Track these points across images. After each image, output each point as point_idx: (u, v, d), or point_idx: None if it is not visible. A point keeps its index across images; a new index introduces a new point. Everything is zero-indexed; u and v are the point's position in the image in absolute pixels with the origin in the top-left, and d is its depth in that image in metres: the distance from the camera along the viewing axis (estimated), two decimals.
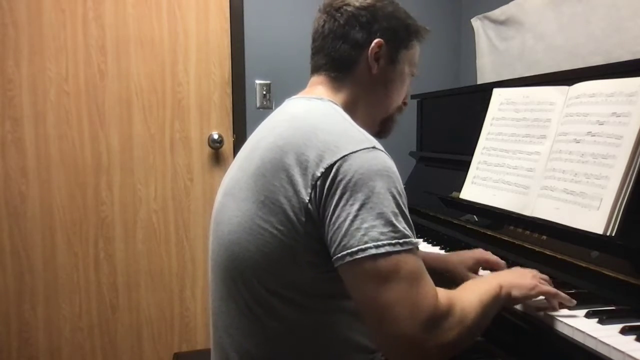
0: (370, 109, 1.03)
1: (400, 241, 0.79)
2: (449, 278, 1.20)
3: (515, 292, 0.94)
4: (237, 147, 2.23)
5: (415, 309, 0.77)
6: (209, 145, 2.22)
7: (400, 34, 1.02)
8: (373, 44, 0.98)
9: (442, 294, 0.82)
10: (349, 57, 0.99)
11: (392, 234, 0.78)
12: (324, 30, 1.00)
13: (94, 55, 2.07)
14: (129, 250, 2.16)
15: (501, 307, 0.92)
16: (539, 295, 0.96)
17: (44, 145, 2.04)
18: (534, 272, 1.01)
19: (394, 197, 0.81)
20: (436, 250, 1.48)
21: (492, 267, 1.20)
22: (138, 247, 2.17)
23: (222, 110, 2.23)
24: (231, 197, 0.93)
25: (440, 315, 0.79)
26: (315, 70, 1.04)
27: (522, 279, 0.96)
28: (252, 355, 0.90)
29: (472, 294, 0.87)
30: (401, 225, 0.80)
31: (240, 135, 2.23)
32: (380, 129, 1.07)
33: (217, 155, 2.24)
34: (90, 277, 2.13)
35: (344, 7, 0.99)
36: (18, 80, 1.99)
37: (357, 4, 0.99)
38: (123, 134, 2.12)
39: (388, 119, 1.08)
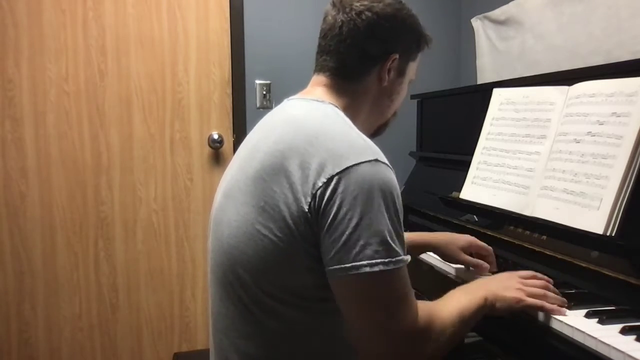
0: (371, 116, 1.03)
1: (394, 260, 0.80)
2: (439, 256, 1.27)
3: (499, 305, 0.93)
4: (237, 147, 2.22)
5: (396, 329, 0.81)
6: (209, 145, 2.21)
7: (413, 47, 1.02)
8: (389, 58, 0.97)
9: (423, 310, 0.84)
10: (361, 68, 0.97)
11: (386, 253, 0.80)
12: (341, 32, 0.95)
13: (94, 55, 2.07)
14: (129, 250, 2.16)
15: (482, 316, 0.93)
16: (523, 309, 0.95)
17: (44, 145, 2.04)
18: (521, 279, 0.99)
19: (390, 215, 0.81)
20: None
21: (481, 255, 1.21)
22: (138, 247, 2.17)
23: (222, 110, 2.23)
24: (231, 199, 0.93)
25: (419, 335, 0.83)
26: (321, 69, 1.00)
27: (507, 291, 0.95)
28: (251, 356, 0.90)
29: (453, 307, 0.89)
30: (395, 244, 0.81)
31: (240, 135, 2.23)
32: (374, 133, 1.08)
33: (217, 155, 2.24)
34: (90, 277, 2.13)
35: (366, 13, 0.94)
36: (18, 80, 1.99)
37: (378, 10, 0.95)
38: (123, 134, 2.12)
39: (384, 124, 1.09)
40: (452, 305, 0.90)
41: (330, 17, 0.98)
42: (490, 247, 1.22)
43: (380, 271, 0.78)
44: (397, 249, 0.81)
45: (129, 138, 2.13)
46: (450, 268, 1.29)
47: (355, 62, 0.97)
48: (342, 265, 0.79)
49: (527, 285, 0.98)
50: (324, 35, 0.99)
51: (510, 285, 0.97)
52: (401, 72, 1.02)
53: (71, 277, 2.11)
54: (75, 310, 2.12)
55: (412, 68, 1.05)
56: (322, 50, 1.00)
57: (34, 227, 2.05)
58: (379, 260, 0.79)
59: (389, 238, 0.80)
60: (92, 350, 2.15)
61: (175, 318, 2.25)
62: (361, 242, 0.79)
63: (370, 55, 0.97)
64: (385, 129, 1.10)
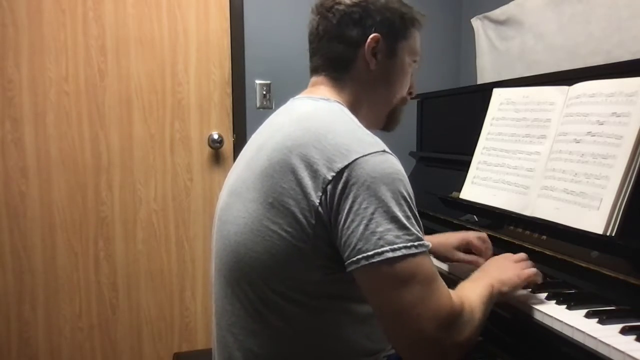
0: (373, 105, 1.03)
1: (415, 244, 0.80)
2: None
3: (505, 288, 0.96)
4: (237, 147, 2.23)
5: (434, 309, 0.79)
6: (209, 145, 2.21)
7: (396, 25, 1.00)
8: (369, 40, 0.97)
9: (452, 293, 0.84)
10: (346, 56, 0.98)
11: (407, 237, 0.79)
12: (318, 32, 1.00)
13: (94, 55, 2.07)
14: (129, 250, 2.16)
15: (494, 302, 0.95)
16: (524, 283, 1.00)
17: (44, 145, 2.04)
18: (513, 258, 1.05)
19: (405, 200, 0.82)
20: None
21: (477, 251, 1.23)
22: (138, 247, 2.17)
23: (222, 110, 2.23)
24: (237, 197, 0.92)
25: (457, 314, 0.82)
26: (314, 71, 1.03)
27: (506, 273, 0.99)
28: (255, 354, 0.90)
29: (473, 294, 0.89)
30: (414, 228, 0.81)
31: (240, 135, 2.23)
32: (386, 123, 1.07)
33: (217, 155, 2.24)
34: (90, 277, 2.13)
35: (335, 6, 0.98)
36: (18, 80, 1.99)
37: (348, 1, 0.97)
38: (123, 134, 2.12)
39: (392, 112, 1.07)
40: (471, 292, 0.90)
41: (310, 23, 1.03)
42: (487, 240, 1.23)
43: (404, 255, 0.78)
44: (417, 233, 0.81)
45: (129, 138, 2.13)
46: (443, 265, 1.31)
47: (339, 52, 0.99)
48: (365, 254, 0.79)
49: (516, 261, 1.04)
50: (310, 41, 1.04)
51: (507, 267, 1.02)
52: (392, 53, 1.00)
53: (71, 277, 2.11)
54: (75, 310, 2.12)
55: (407, 47, 1.03)
56: (310, 54, 1.04)
57: (34, 227, 2.05)
58: (401, 245, 0.79)
59: (406, 222, 0.80)
60: (92, 350, 2.15)
61: (175, 318, 2.24)
62: (380, 229, 0.79)
63: (350, 41, 0.98)
64: (398, 118, 1.09)
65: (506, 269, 1.01)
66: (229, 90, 2.23)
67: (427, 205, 1.70)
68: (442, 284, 0.82)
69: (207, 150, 2.23)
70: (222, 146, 2.23)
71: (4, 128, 2.00)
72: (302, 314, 0.88)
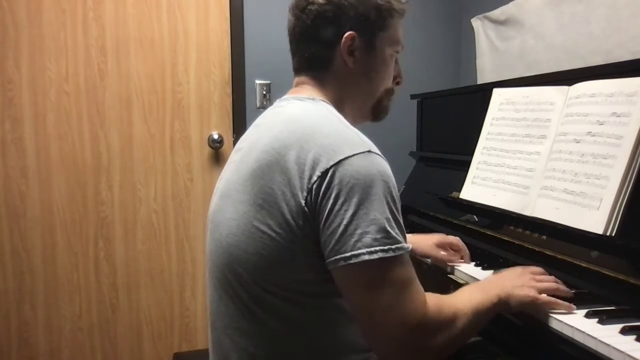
0: (355, 101, 1.03)
1: (393, 247, 0.80)
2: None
3: (513, 303, 0.94)
4: None
5: (404, 314, 0.80)
6: (209, 145, 2.22)
7: (372, 18, 0.97)
8: (344, 39, 0.95)
9: (432, 299, 0.84)
10: (324, 56, 0.98)
11: (385, 240, 0.80)
12: (295, 33, 0.99)
13: (94, 55, 2.07)
14: (129, 250, 2.16)
15: (495, 314, 0.93)
16: (535, 307, 0.95)
17: (44, 145, 2.04)
18: (533, 275, 1.00)
19: (387, 203, 0.82)
20: None
21: (453, 249, 1.31)
22: (138, 247, 2.17)
23: (222, 110, 2.23)
24: (228, 199, 0.93)
25: (429, 321, 0.82)
26: (296, 71, 1.03)
27: (521, 289, 0.95)
28: (251, 354, 0.90)
29: (467, 302, 0.89)
30: (394, 231, 0.81)
31: (240, 135, 2.21)
32: (374, 114, 1.06)
33: (217, 155, 2.24)
34: (90, 277, 2.13)
35: (309, 7, 0.96)
36: (18, 80, 1.99)
37: (320, 0, 0.95)
38: (123, 134, 2.12)
39: (377, 104, 1.05)
40: (466, 299, 0.90)
41: (287, 24, 1.02)
42: (458, 239, 1.32)
43: (380, 258, 0.79)
44: (396, 236, 0.81)
45: (129, 138, 2.13)
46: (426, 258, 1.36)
47: (316, 53, 0.98)
48: (342, 255, 0.79)
49: (538, 281, 0.99)
50: (289, 42, 1.03)
51: (523, 283, 0.97)
52: (370, 48, 0.98)
53: (71, 277, 2.11)
54: (75, 310, 2.12)
55: (387, 39, 1.00)
56: (292, 55, 1.03)
57: (34, 227, 2.05)
58: (377, 248, 0.79)
59: (387, 226, 0.80)
60: (92, 350, 2.15)
61: (175, 318, 2.24)
62: (359, 231, 0.79)
63: (326, 41, 0.97)
64: (384, 109, 1.07)
65: (522, 286, 0.96)
66: (229, 91, 2.23)
67: (427, 205, 1.70)
68: (417, 289, 0.82)
69: (207, 150, 2.23)
70: (222, 146, 2.23)
71: (4, 128, 2.00)
72: (295, 312, 0.88)
